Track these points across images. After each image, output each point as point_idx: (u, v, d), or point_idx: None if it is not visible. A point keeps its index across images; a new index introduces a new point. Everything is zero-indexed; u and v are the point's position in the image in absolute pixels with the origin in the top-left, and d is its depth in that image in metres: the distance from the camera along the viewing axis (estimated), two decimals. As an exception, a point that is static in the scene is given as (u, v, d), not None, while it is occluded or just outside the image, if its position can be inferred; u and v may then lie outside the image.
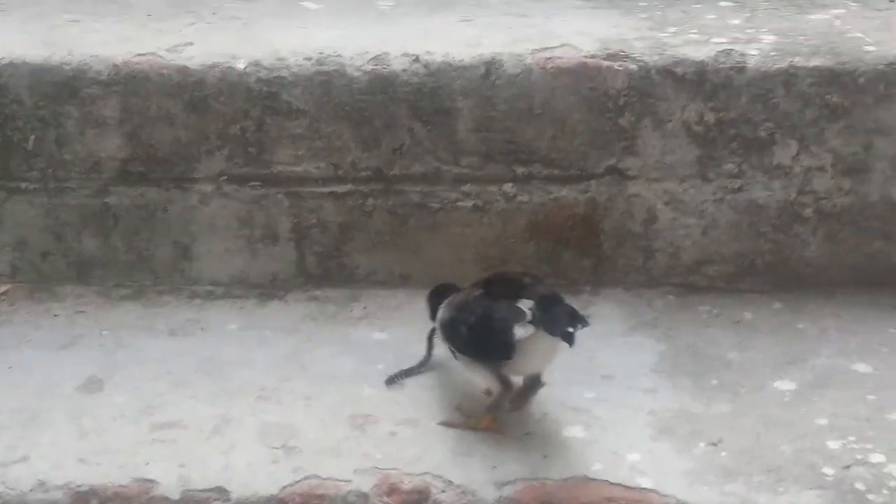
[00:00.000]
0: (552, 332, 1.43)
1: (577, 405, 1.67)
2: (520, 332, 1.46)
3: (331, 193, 1.98)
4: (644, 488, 1.48)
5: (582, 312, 1.94)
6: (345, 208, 1.99)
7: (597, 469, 1.52)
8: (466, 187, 1.97)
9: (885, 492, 1.46)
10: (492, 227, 1.99)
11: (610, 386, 1.73)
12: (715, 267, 2.00)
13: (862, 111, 1.90)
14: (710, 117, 1.91)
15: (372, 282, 2.03)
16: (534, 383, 1.61)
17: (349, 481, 1.50)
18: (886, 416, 1.62)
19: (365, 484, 1.49)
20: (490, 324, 1.51)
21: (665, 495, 1.47)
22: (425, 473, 1.51)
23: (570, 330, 1.43)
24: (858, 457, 1.53)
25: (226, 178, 1.98)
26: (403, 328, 1.90)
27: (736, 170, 1.94)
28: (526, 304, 1.48)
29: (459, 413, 1.65)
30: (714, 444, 1.57)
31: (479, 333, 1.54)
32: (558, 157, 1.94)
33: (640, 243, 1.99)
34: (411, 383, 1.73)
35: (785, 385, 1.72)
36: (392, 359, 1.80)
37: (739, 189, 1.95)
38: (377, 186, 1.98)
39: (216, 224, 2.01)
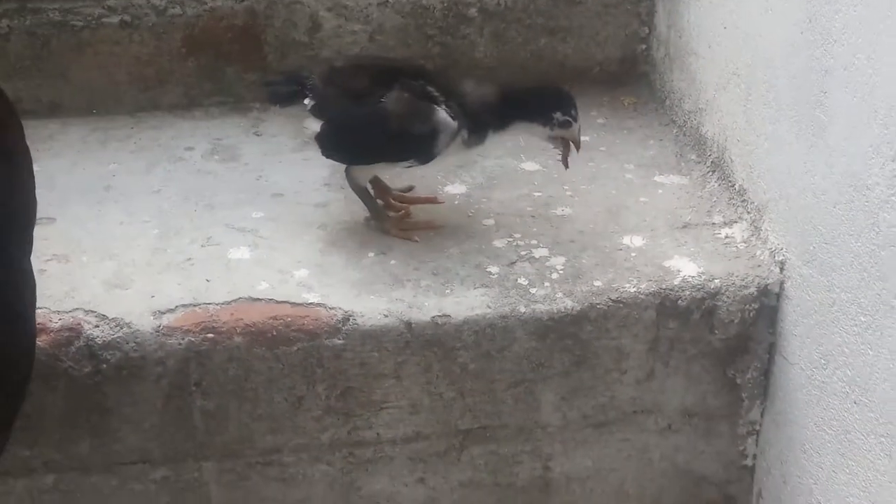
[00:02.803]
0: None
1: (245, 226, 1.61)
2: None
3: (-45, 14, 1.78)
4: (311, 303, 1.44)
5: (253, 131, 1.86)
6: (-28, 30, 1.79)
7: (262, 289, 1.47)
8: (111, 2, 1.81)
9: (546, 284, 1.48)
10: (144, 45, 1.86)
11: (280, 203, 1.67)
12: (384, 73, 1.95)
13: None
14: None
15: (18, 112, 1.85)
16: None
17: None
18: (551, 211, 1.64)
19: (7, 328, 1.37)
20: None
21: (332, 308, 1.44)
22: (76, 310, 1.42)
23: None
24: (523, 253, 1.55)
25: None
26: (57, 160, 1.78)
27: (396, -29, 1.87)
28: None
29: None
30: (384, 253, 1.55)
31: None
32: (208, -38, 1.82)
33: (307, 53, 1.91)
34: (62, 219, 1.60)
35: (456, 189, 1.71)
36: (47, 192, 1.65)
37: (403, -8, 1.89)
38: (10, 6, 1.79)
39: None
